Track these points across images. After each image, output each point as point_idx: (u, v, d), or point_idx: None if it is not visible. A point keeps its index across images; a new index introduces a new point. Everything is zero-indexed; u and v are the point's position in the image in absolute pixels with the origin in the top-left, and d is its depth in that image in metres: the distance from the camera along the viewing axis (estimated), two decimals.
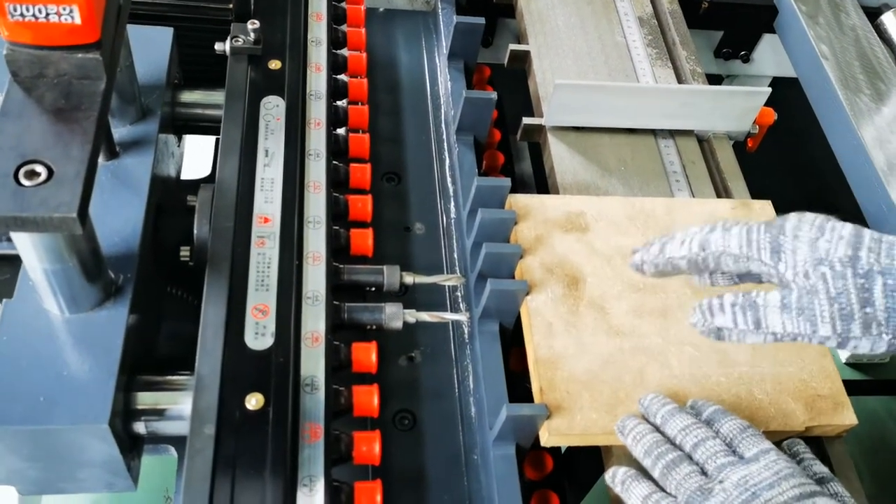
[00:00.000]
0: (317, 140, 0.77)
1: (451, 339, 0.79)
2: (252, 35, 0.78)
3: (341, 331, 0.68)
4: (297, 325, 0.64)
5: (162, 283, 0.76)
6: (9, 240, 0.66)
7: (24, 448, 0.56)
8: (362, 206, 0.75)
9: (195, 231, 0.68)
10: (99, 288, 0.60)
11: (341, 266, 0.71)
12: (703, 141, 0.94)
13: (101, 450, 0.57)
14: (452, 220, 0.88)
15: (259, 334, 0.62)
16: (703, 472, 0.60)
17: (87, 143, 0.52)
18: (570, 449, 0.93)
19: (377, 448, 0.61)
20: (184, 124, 0.82)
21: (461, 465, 0.71)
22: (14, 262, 0.66)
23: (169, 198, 0.78)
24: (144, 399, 0.61)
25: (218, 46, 0.79)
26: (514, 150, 1.10)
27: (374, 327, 0.69)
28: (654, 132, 0.93)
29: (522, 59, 0.99)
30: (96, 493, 0.66)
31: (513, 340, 0.78)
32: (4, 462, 0.58)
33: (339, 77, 0.85)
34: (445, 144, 0.94)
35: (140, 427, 0.61)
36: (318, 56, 0.83)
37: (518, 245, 0.75)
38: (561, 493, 0.75)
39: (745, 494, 0.56)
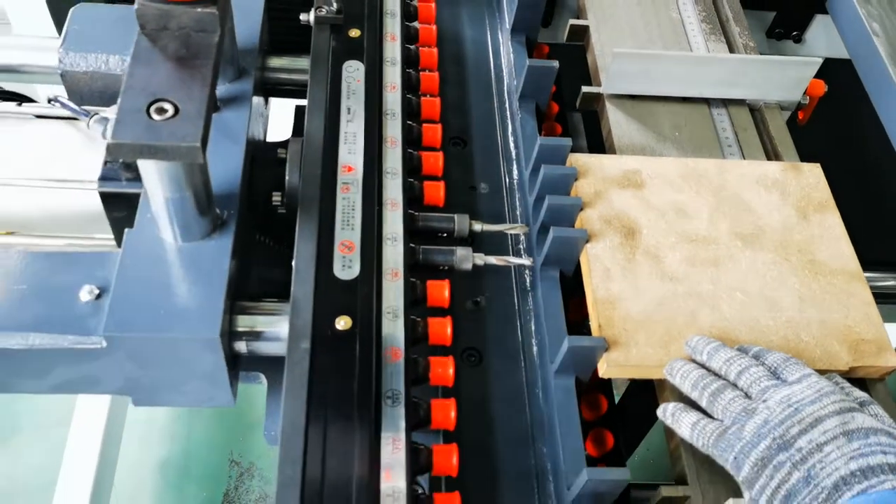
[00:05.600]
0: (393, 101, 0.84)
1: (513, 286, 0.85)
2: (335, 5, 0.85)
3: (416, 270, 0.75)
4: (379, 261, 0.71)
5: (252, 230, 0.83)
6: (127, 179, 0.75)
7: (143, 356, 0.64)
8: (434, 161, 0.82)
9: (287, 178, 0.75)
10: (208, 220, 0.67)
11: (416, 213, 0.78)
12: (755, 110, 0.98)
13: (210, 361, 0.65)
14: (514, 181, 0.94)
15: (346, 266, 0.69)
16: (748, 397, 0.65)
17: (206, 86, 0.60)
18: (622, 400, 0.99)
19: (451, 370, 0.68)
20: (271, 88, 0.90)
21: (524, 397, 0.77)
22: (128, 200, 0.74)
23: (258, 155, 0.85)
24: (244, 321, 0.69)
25: (303, 17, 0.87)
26: (569, 126, 1.15)
27: (446, 268, 0.76)
28: (707, 101, 0.97)
29: (581, 34, 1.04)
30: (199, 407, 0.74)
31: (571, 292, 0.84)
32: (124, 370, 0.66)
33: (412, 47, 0.92)
34: (508, 112, 1.00)
35: (240, 346, 0.69)
36: (392, 26, 0.91)
37: (579, 197, 0.81)
38: (615, 432, 0.81)
39: (787, 410, 0.61)
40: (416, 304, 0.73)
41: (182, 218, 0.65)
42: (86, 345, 0.63)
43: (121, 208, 0.75)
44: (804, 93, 0.98)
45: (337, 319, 0.66)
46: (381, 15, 0.92)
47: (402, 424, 0.63)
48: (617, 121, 0.94)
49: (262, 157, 0.84)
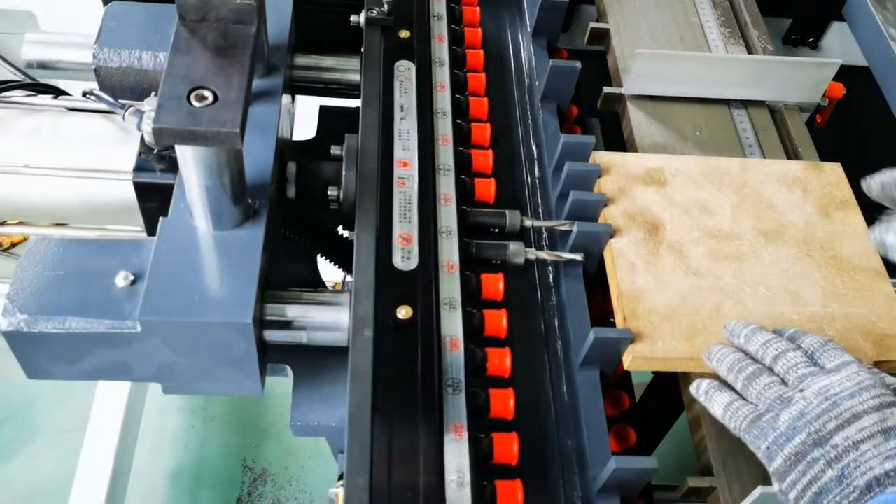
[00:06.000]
0: (442, 101, 0.87)
1: (537, 282, 0.86)
2: (386, 7, 0.88)
3: (469, 264, 0.76)
4: (435, 254, 0.73)
5: (279, 224, 0.85)
6: (161, 170, 0.76)
7: (177, 341, 0.65)
8: (484, 158, 0.84)
9: (344, 172, 0.77)
10: (241, 209, 0.68)
11: (468, 209, 0.80)
12: (774, 111, 0.99)
13: (241, 347, 0.66)
14: (536, 180, 0.95)
15: (405, 258, 0.71)
16: (784, 383, 0.64)
17: (244, 75, 0.61)
18: (643, 397, 0.99)
19: (508, 361, 0.69)
20: (297, 85, 0.92)
21: (548, 391, 0.78)
22: (161, 190, 0.76)
23: (285, 152, 0.87)
24: (273, 310, 0.69)
25: (353, 18, 0.90)
26: (586, 129, 1.17)
27: (499, 262, 0.77)
28: (727, 102, 0.99)
29: (601, 37, 1.06)
30: (228, 395, 0.75)
31: (591, 291, 0.85)
32: (157, 356, 0.66)
33: (458, 49, 0.95)
34: (529, 114, 1.01)
35: (268, 335, 0.69)
36: (440, 29, 0.94)
37: (603, 193, 0.82)
38: (636, 428, 0.81)
39: (825, 403, 0.60)
40: (471, 296, 0.74)
41: (217, 206, 0.66)
42: (121, 329, 0.64)
43: (153, 199, 0.76)
44: (823, 95, 0.99)
45: (398, 309, 0.68)
46: (428, 17, 0.94)
47: (464, 412, 0.64)
48: (638, 121, 0.95)
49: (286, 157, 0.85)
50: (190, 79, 0.60)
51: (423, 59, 0.88)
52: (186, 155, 0.62)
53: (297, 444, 1.76)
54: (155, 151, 0.76)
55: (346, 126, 1.00)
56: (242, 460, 1.80)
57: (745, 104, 0.99)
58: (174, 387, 0.70)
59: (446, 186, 0.79)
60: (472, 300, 0.73)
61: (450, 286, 0.71)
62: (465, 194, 0.81)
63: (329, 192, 0.78)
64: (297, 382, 0.77)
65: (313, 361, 0.77)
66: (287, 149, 0.87)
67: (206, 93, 0.59)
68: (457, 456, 0.61)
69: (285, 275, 0.85)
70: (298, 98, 1.02)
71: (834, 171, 0.88)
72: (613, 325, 0.83)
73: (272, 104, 0.79)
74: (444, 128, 0.84)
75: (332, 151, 0.80)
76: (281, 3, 0.86)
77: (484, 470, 0.66)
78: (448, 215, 0.76)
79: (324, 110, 1.00)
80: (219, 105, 0.58)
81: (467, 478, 0.60)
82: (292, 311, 0.70)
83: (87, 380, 0.69)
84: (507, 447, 0.65)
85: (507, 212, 0.80)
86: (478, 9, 0.99)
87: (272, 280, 0.79)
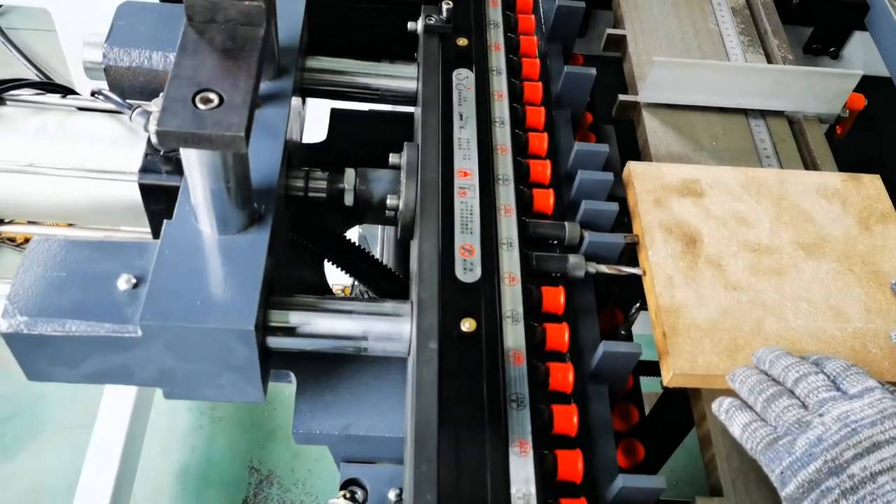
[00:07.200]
0: (500, 110, 0.86)
1: None
2: (445, 14, 0.87)
3: (529, 277, 0.74)
4: (497, 266, 0.72)
5: (287, 228, 0.83)
6: (167, 172, 0.75)
7: (179, 346, 0.64)
8: (542, 169, 0.83)
9: (403, 182, 0.76)
10: (246, 213, 0.67)
11: (527, 220, 0.78)
12: (793, 122, 0.97)
13: (243, 353, 0.64)
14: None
15: (467, 270, 0.70)
16: (804, 407, 0.62)
17: (251, 78, 0.60)
18: (652, 411, 0.97)
19: (571, 377, 0.68)
20: (308, 88, 0.90)
21: None
22: (167, 192, 0.75)
23: (294, 156, 0.86)
24: (277, 317, 0.68)
25: (410, 25, 0.89)
26: (601, 136, 1.15)
27: (559, 275, 0.76)
28: (745, 112, 0.96)
29: (618, 43, 1.04)
30: (232, 402, 0.73)
31: (603, 301, 0.83)
32: (159, 361, 0.65)
33: (514, 57, 0.93)
34: None
35: (271, 342, 0.68)
36: (496, 37, 0.93)
37: (615, 203, 0.80)
38: (645, 443, 0.79)
39: (843, 430, 0.58)
40: (532, 309, 0.73)
41: (221, 210, 0.65)
42: (122, 333, 0.63)
43: (159, 200, 0.75)
44: (844, 106, 0.97)
45: (462, 321, 0.66)
46: (485, 25, 0.93)
47: (529, 428, 0.63)
48: (653, 129, 0.94)
49: (295, 161, 0.84)
50: (196, 81, 0.59)
51: (481, 68, 0.87)
52: (191, 158, 0.61)
53: (304, 446, 1.75)
54: (161, 153, 0.75)
55: (357, 130, 1.00)
56: (249, 461, 1.80)
57: (764, 114, 0.96)
58: (175, 392, 0.69)
59: (506, 197, 0.78)
60: (532, 313, 0.72)
61: (512, 298, 0.70)
62: (523, 205, 0.79)
63: (388, 201, 0.76)
64: (301, 390, 0.76)
65: (317, 369, 0.76)
66: (296, 152, 0.86)
67: (212, 95, 0.58)
68: (522, 472, 0.60)
69: (289, 277, 0.85)
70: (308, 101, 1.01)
71: (873, 184, 0.86)
72: (623, 337, 0.82)
73: (281, 107, 0.78)
74: (503, 137, 0.83)
75: (389, 160, 0.78)
76: (293, 4, 0.85)
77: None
78: (509, 227, 0.75)
79: (335, 113, 0.99)
80: (224, 108, 0.57)
81: (533, 495, 0.59)
82: (296, 318, 0.69)
83: (87, 383, 0.68)
84: (572, 464, 0.63)
85: (566, 224, 0.78)
86: (533, 17, 0.98)
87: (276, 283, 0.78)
